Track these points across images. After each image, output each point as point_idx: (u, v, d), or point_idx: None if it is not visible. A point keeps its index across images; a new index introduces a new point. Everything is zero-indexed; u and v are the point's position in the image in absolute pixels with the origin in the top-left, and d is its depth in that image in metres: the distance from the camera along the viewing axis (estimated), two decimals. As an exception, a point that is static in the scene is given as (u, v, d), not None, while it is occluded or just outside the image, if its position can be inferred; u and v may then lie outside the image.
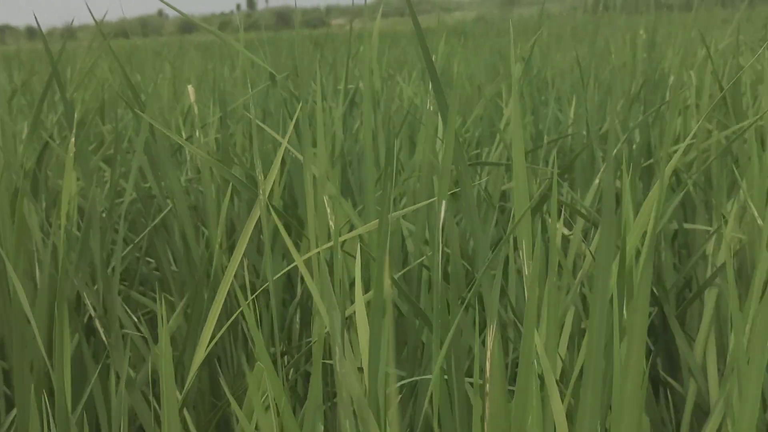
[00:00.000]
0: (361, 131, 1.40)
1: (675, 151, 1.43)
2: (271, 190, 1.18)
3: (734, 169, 1.13)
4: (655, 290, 1.04)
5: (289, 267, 0.86)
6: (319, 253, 0.87)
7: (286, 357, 1.09)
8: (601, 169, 1.11)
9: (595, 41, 3.48)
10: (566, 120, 1.78)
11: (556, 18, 10.20)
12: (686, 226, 1.16)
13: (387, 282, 0.75)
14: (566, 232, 1.10)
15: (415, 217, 0.99)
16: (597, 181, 1.11)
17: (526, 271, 0.61)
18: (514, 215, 0.67)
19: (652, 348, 1.12)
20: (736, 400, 0.80)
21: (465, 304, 0.68)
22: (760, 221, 0.86)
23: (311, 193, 0.81)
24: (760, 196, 1.00)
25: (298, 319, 1.16)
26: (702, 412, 1.03)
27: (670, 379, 1.05)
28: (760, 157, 1.15)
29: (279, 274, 0.85)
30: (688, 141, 0.66)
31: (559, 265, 1.00)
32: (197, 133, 1.12)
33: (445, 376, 0.72)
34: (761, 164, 1.06)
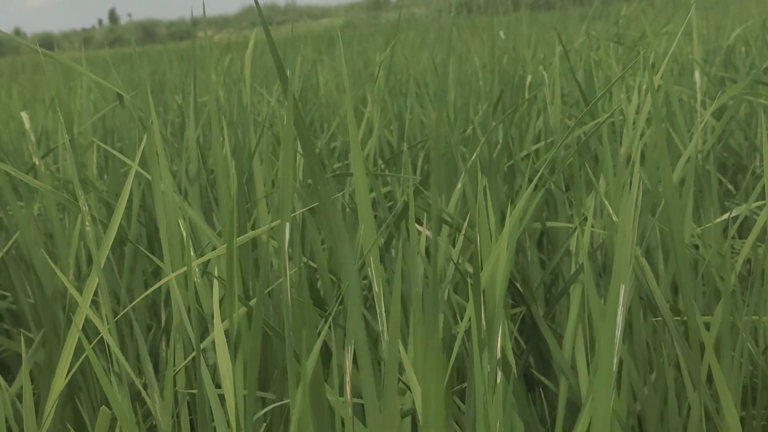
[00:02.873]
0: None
1: (536, 150, 1.45)
2: (129, 214, 1.13)
3: (588, 166, 1.15)
4: (521, 289, 1.05)
5: (146, 293, 0.83)
6: (174, 277, 0.84)
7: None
8: (462, 174, 1.11)
9: (458, 43, 3.53)
10: (431, 123, 1.79)
11: (422, 21, 10.35)
12: (549, 224, 1.18)
13: (236, 305, 0.73)
14: (428, 232, 1.10)
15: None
16: (459, 185, 1.12)
17: (374, 287, 0.60)
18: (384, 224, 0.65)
19: (524, 347, 1.13)
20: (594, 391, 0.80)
21: (327, 321, 0.66)
22: (615, 218, 0.88)
23: (162, 215, 0.78)
24: (616, 192, 1.02)
25: (164, 346, 1.11)
26: (576, 407, 1.04)
27: (542, 378, 1.06)
28: (612, 155, 1.18)
29: (136, 300, 0.82)
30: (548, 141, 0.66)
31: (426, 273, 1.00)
32: (37, 161, 1.06)
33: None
34: (615, 161, 1.08)
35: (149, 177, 0.98)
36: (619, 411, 0.86)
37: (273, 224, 0.81)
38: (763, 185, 1.53)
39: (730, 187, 1.64)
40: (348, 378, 0.60)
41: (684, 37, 2.77)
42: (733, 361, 0.75)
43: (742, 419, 0.91)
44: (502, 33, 3.02)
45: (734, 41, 2.32)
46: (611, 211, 0.87)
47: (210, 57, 1.10)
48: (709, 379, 0.94)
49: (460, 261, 1.06)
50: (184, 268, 0.78)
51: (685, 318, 0.90)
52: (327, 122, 2.12)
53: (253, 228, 1.01)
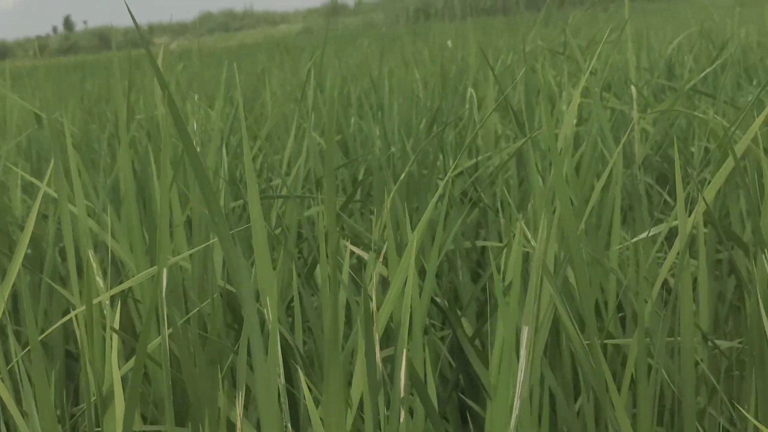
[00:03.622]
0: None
1: (471, 166, 1.45)
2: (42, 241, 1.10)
3: (515, 184, 1.15)
4: (444, 311, 1.04)
5: (53, 327, 0.80)
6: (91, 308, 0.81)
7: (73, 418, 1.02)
8: (391, 194, 1.10)
9: (407, 52, 3.52)
10: (373, 138, 1.78)
11: (378, 27, 10.35)
12: (478, 243, 1.17)
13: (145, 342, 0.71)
14: (363, 254, 1.09)
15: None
16: (387, 206, 1.10)
17: (269, 318, 0.58)
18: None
19: (455, 368, 1.12)
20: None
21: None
22: (533, 243, 0.87)
23: (70, 242, 0.76)
24: (547, 208, 1.01)
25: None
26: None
27: (470, 402, 1.05)
28: (540, 173, 1.18)
29: (46, 333, 0.79)
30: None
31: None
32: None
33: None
34: (543, 179, 1.08)
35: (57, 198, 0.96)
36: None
37: (180, 256, 0.79)
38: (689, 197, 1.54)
39: (668, 198, 1.65)
40: (239, 425, 0.58)
41: (629, 46, 2.78)
42: (648, 386, 0.75)
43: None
44: (450, 42, 3.03)
45: (675, 50, 2.33)
46: (529, 236, 0.86)
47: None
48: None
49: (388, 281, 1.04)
50: (82, 309, 0.76)
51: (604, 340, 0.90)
52: (277, 135, 2.09)
53: (174, 253, 0.99)
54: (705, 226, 1.24)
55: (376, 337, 0.61)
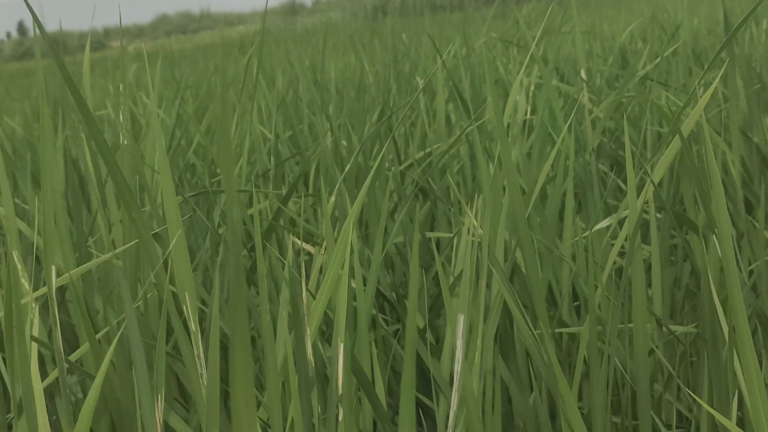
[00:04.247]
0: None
1: (421, 158, 1.42)
2: None
3: (469, 174, 1.12)
4: (394, 305, 1.01)
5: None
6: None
7: None
8: (337, 185, 1.06)
9: (362, 48, 3.49)
10: (324, 132, 1.75)
11: (337, 26, 10.31)
12: (428, 234, 1.14)
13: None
14: (310, 249, 1.05)
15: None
16: (333, 199, 1.07)
17: (192, 327, 0.55)
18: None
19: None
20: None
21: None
22: (480, 229, 0.84)
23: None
24: (496, 195, 0.98)
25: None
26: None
27: (423, 398, 1.02)
28: (489, 160, 1.15)
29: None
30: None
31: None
32: None
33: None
34: (489, 171, 1.05)
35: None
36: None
37: (109, 255, 0.75)
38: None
39: (623, 185, 1.63)
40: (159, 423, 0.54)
41: (584, 36, 2.78)
42: (600, 374, 0.72)
43: (615, 425, 0.89)
44: (404, 36, 3.00)
45: (628, 38, 2.33)
46: (476, 223, 0.84)
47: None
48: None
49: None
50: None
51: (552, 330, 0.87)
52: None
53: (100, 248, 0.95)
54: (659, 211, 1.23)
55: (308, 331, 0.58)
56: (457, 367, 0.53)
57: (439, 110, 1.32)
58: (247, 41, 8.53)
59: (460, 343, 0.53)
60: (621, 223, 1.36)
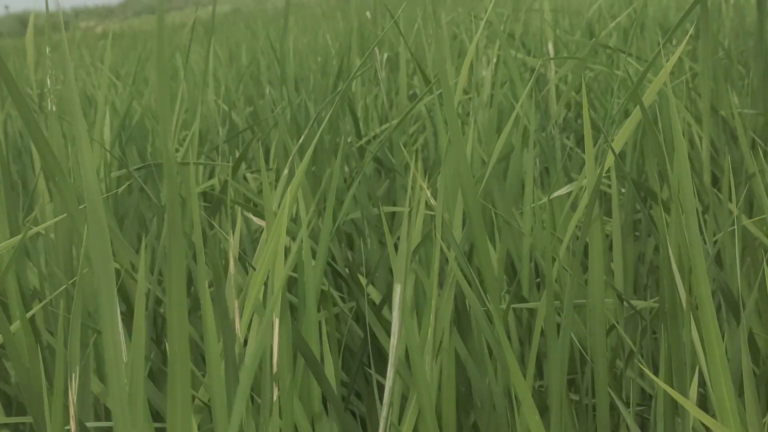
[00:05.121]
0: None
1: (381, 133, 1.38)
2: None
3: (431, 148, 1.08)
4: (347, 279, 0.97)
5: None
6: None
7: None
8: (291, 156, 1.02)
9: (325, 26, 3.44)
10: (284, 107, 1.70)
11: (308, 5, 10.20)
12: (384, 209, 1.10)
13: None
14: (261, 223, 1.01)
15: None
16: (286, 171, 1.03)
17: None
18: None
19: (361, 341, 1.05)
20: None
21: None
22: (432, 201, 0.81)
23: None
24: (448, 170, 0.95)
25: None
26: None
27: (377, 376, 0.99)
28: (445, 135, 1.12)
29: None
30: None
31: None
32: None
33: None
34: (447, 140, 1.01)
35: None
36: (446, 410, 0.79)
37: (42, 226, 0.70)
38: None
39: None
40: (72, 412, 0.50)
41: (552, 13, 2.74)
42: (557, 350, 0.69)
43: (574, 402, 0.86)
44: (368, 14, 2.95)
45: (596, 14, 2.30)
46: (428, 195, 0.80)
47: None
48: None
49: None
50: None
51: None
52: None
53: (36, 222, 0.90)
54: (622, 185, 1.20)
55: (235, 304, 0.54)
56: (393, 341, 0.49)
57: (402, 83, 1.28)
58: (218, 22, 8.43)
59: (396, 314, 0.49)
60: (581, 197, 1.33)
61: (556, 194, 0.84)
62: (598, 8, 2.17)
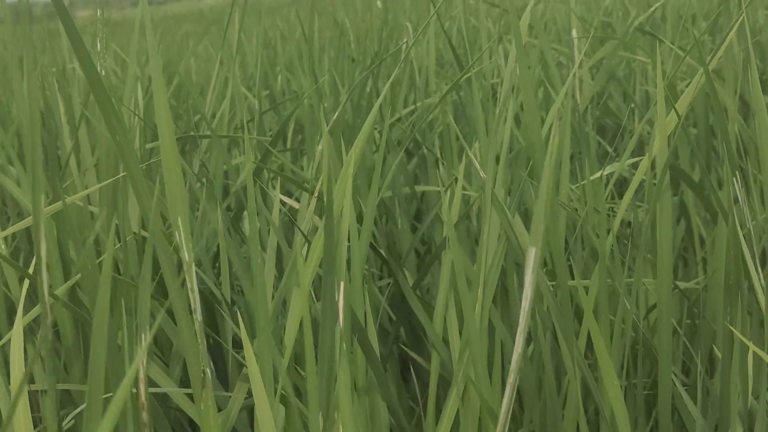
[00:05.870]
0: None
1: (409, 114, 1.36)
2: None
3: (456, 127, 1.07)
4: (387, 258, 0.96)
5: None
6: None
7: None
8: (323, 137, 1.01)
9: (333, 15, 3.42)
10: (301, 91, 1.69)
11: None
12: (418, 188, 1.09)
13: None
14: (295, 205, 1.00)
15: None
16: (319, 147, 1.02)
17: (185, 257, 0.49)
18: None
19: (394, 318, 1.04)
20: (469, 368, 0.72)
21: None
22: (482, 174, 0.79)
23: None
24: (486, 150, 0.94)
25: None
26: (449, 384, 0.96)
27: (413, 354, 0.98)
28: (485, 113, 1.10)
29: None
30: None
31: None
32: None
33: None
34: (487, 120, 1.00)
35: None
36: (493, 387, 0.78)
37: (86, 191, 0.69)
38: (640, 142, 1.48)
39: (609, 149, 1.60)
40: (142, 375, 0.49)
41: (564, 4, 2.73)
42: (613, 326, 0.68)
43: (623, 389, 0.85)
44: (379, 2, 2.93)
45: (612, 6, 2.29)
46: (478, 166, 0.79)
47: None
48: (590, 347, 0.87)
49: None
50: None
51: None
52: (199, 96, 1.98)
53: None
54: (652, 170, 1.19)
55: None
56: (525, 305, 0.48)
57: (431, 64, 1.27)
58: (216, 13, 8.38)
59: (529, 279, 0.48)
60: (615, 183, 1.32)
61: (608, 170, 0.83)
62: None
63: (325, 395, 0.53)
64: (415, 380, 0.99)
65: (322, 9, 4.83)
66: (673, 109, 0.78)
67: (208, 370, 0.48)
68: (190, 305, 0.53)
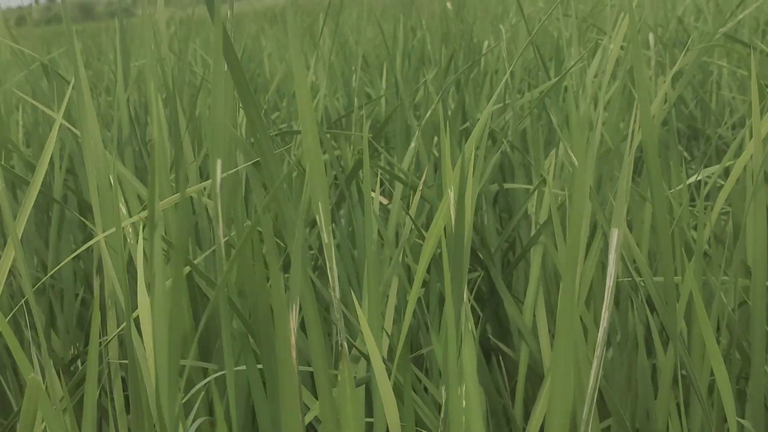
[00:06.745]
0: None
1: (492, 114, 1.40)
2: (53, 178, 1.05)
3: (551, 125, 1.10)
4: (479, 254, 1.00)
5: (70, 257, 0.75)
6: (106, 241, 0.76)
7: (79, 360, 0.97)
8: (416, 134, 1.05)
9: (409, 15, 3.46)
10: (378, 92, 1.73)
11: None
12: (506, 186, 1.13)
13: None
14: (383, 201, 1.04)
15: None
16: (413, 144, 1.06)
17: (324, 238, 0.54)
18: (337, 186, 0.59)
19: (480, 314, 1.08)
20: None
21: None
22: (575, 159, 0.83)
23: (92, 169, 0.71)
24: (576, 147, 0.97)
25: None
26: (537, 376, 0.99)
27: (501, 345, 1.01)
28: (572, 111, 1.13)
29: (57, 267, 0.74)
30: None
31: (380, 236, 0.94)
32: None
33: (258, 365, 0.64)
34: (578, 116, 1.03)
35: (77, 132, 0.91)
36: (583, 378, 0.81)
37: (204, 183, 0.74)
38: (724, 153, 1.50)
39: (686, 154, 1.61)
40: (293, 341, 0.53)
41: (636, 9, 2.73)
42: (709, 319, 0.71)
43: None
44: (449, 4, 2.96)
45: (684, 11, 2.29)
46: (572, 156, 0.82)
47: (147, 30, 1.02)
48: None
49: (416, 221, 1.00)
50: (113, 229, 0.71)
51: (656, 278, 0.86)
52: (273, 93, 2.04)
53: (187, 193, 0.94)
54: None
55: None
56: (609, 282, 0.52)
57: (517, 68, 1.30)
58: (277, 12, 8.47)
59: (613, 258, 0.51)
60: (697, 187, 1.34)
61: (708, 170, 0.85)
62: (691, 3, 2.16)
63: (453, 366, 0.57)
64: (503, 369, 1.02)
65: (389, 10, 4.88)
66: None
67: (345, 344, 0.52)
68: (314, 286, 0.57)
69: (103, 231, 0.76)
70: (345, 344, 0.53)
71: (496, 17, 2.85)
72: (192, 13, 1.48)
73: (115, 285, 0.71)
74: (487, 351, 1.12)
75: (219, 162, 0.53)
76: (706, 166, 1.46)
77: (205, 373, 0.82)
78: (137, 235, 0.79)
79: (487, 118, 0.76)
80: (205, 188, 0.90)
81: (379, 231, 0.92)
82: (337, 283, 0.54)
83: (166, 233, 0.88)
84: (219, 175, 0.53)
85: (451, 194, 0.62)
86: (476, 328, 1.06)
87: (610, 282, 0.52)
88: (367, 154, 0.65)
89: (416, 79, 1.75)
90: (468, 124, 1.37)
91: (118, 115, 1.10)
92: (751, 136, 0.91)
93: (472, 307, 1.12)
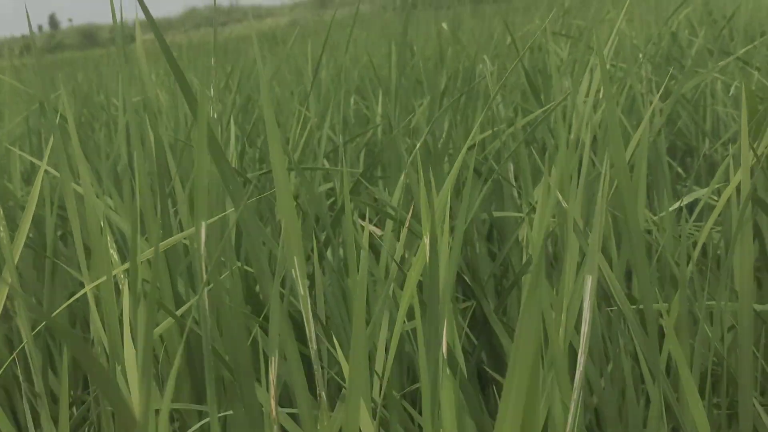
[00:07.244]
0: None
1: (482, 141, 1.41)
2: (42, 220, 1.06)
3: (537, 156, 1.11)
4: (470, 283, 1.00)
5: (63, 306, 0.76)
6: (98, 286, 0.77)
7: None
8: (406, 165, 1.06)
9: (404, 38, 3.48)
10: (374, 117, 1.74)
11: (367, 17, 10.28)
12: (496, 214, 1.13)
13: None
14: (377, 232, 1.05)
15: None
16: (402, 177, 1.06)
17: (300, 291, 0.54)
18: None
19: (476, 342, 1.08)
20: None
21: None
22: (564, 203, 0.83)
23: (74, 217, 0.71)
24: (565, 178, 0.97)
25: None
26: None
27: (496, 375, 1.02)
28: (561, 140, 1.14)
29: (53, 314, 0.75)
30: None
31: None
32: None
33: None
34: (566, 147, 1.04)
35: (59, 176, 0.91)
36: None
37: (191, 230, 0.74)
38: (718, 169, 1.50)
39: (680, 170, 1.62)
40: (272, 392, 0.54)
41: (628, 24, 2.75)
42: (693, 348, 0.71)
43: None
44: (444, 25, 2.98)
45: (678, 25, 2.30)
46: (559, 197, 0.83)
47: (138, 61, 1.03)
48: (667, 369, 0.90)
49: (406, 256, 1.00)
50: (103, 278, 0.72)
51: (641, 306, 0.86)
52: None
53: (176, 233, 0.95)
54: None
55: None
56: (585, 328, 0.52)
57: (506, 92, 1.31)
58: (278, 34, 8.53)
59: (587, 305, 0.52)
60: (690, 209, 1.35)
61: (691, 197, 0.86)
62: (684, 18, 2.17)
63: (429, 410, 0.58)
64: (498, 399, 1.03)
65: (386, 31, 4.90)
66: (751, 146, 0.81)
67: (323, 394, 0.53)
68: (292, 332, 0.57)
69: (92, 278, 0.77)
70: (324, 395, 0.54)
71: (489, 38, 2.87)
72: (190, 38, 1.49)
73: (101, 335, 0.72)
74: (484, 380, 1.13)
75: (203, 224, 0.54)
76: (698, 183, 1.47)
77: (200, 416, 0.83)
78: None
79: (465, 153, 0.76)
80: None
81: (370, 265, 0.93)
82: (314, 335, 0.55)
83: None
84: (203, 237, 0.54)
85: (426, 241, 0.63)
86: (471, 355, 1.06)
87: (585, 327, 0.53)
88: (349, 200, 0.66)
89: (413, 102, 1.77)
90: (465, 148, 1.38)
91: (115, 153, 1.11)
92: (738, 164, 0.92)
93: (467, 334, 1.12)
